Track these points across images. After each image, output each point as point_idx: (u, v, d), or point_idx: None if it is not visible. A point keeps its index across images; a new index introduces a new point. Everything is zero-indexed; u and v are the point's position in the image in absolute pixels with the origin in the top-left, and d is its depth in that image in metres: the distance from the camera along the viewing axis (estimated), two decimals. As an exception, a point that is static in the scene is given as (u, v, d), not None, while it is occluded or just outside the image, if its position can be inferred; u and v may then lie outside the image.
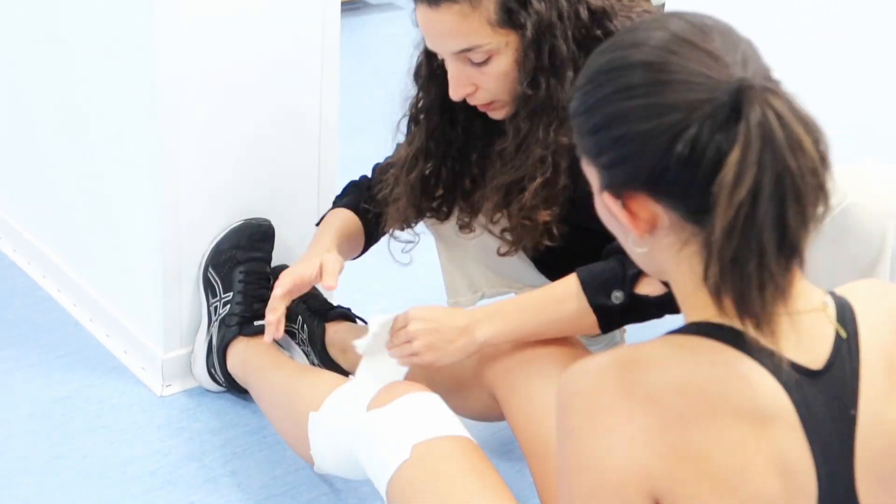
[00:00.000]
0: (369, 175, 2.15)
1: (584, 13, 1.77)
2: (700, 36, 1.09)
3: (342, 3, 2.33)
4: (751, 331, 1.10)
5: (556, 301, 1.77)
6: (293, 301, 2.20)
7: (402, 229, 2.03)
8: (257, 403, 2.12)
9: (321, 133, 2.30)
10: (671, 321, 2.14)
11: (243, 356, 2.16)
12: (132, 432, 2.14)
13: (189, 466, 2.06)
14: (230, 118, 2.18)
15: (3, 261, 2.66)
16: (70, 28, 2.30)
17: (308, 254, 2.03)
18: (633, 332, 2.34)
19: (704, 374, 1.10)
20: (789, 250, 1.06)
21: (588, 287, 1.74)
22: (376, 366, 1.86)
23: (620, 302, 1.72)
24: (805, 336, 1.13)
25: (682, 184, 1.08)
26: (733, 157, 1.03)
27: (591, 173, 1.17)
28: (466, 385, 1.90)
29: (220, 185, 2.21)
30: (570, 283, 1.76)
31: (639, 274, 1.70)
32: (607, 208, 1.16)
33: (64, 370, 2.30)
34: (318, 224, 2.14)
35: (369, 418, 1.75)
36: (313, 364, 2.18)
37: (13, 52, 2.53)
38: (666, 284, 1.67)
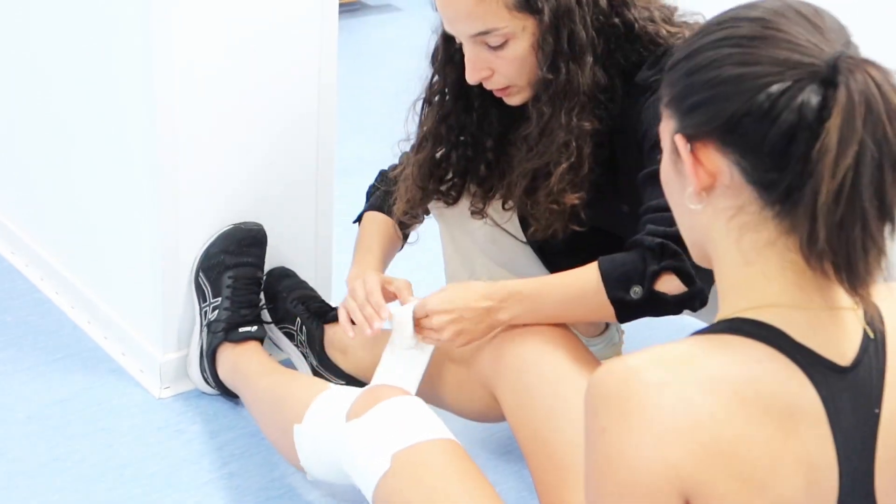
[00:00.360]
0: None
1: (603, 1, 1.78)
2: (812, 12, 1.13)
3: (340, 5, 2.32)
4: (840, 295, 1.13)
5: (577, 288, 1.77)
6: (291, 302, 2.22)
7: (409, 216, 2.05)
8: (248, 411, 2.12)
9: (319, 135, 2.30)
10: (673, 323, 2.14)
11: (232, 363, 2.16)
12: (130, 435, 2.14)
13: (187, 469, 2.05)
14: (229, 121, 2.17)
15: (2, 263, 2.65)
16: (65, 31, 2.30)
17: (360, 267, 2.04)
18: (632, 335, 2.34)
19: (735, 373, 1.10)
20: (886, 215, 1.09)
21: (608, 279, 1.74)
22: (395, 360, 1.89)
23: (639, 297, 1.72)
24: (837, 333, 1.15)
25: (754, 137, 1.10)
26: (834, 121, 1.05)
27: (667, 127, 1.19)
28: (468, 386, 1.91)
29: (218, 187, 2.21)
30: (591, 273, 1.76)
31: (660, 271, 1.70)
32: (675, 154, 1.18)
33: (62, 372, 2.29)
34: (356, 221, 2.16)
35: (348, 429, 1.75)
36: (312, 366, 2.18)
37: (11, 55, 2.53)
38: (690, 277, 1.67)
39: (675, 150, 1.17)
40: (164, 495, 1.99)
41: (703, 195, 1.15)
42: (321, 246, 2.39)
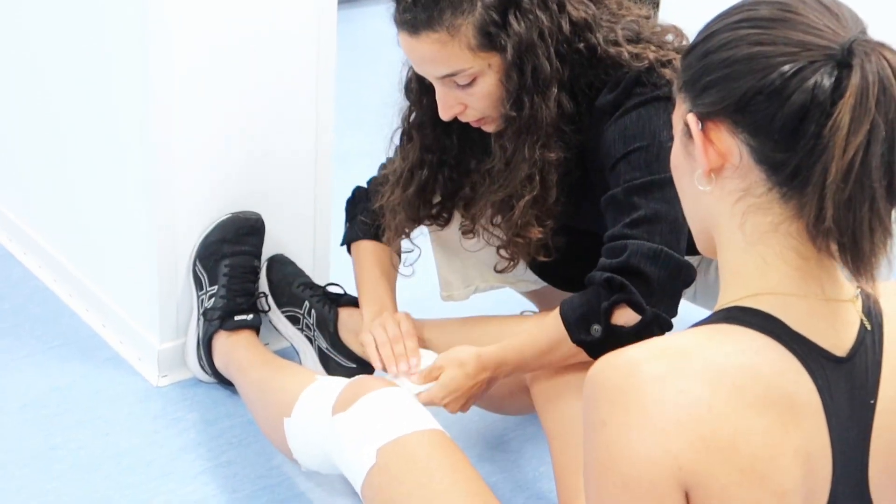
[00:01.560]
0: (377, 173, 2.15)
1: (566, 27, 1.77)
2: (831, 1, 1.14)
3: (339, -6, 2.29)
4: (843, 277, 1.13)
5: (547, 340, 1.80)
6: (298, 287, 2.23)
7: (401, 238, 2.05)
8: (243, 401, 2.12)
9: (317, 125, 2.28)
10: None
11: (226, 352, 2.17)
12: (128, 423, 2.13)
13: (185, 457, 2.05)
14: (228, 111, 2.16)
15: (0, 251, 2.66)
16: (60, 18, 2.28)
17: (375, 307, 2.05)
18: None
19: (735, 364, 1.10)
20: (894, 196, 1.09)
21: (569, 324, 1.76)
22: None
23: (599, 335, 1.72)
24: (834, 323, 1.14)
25: (765, 116, 1.09)
26: (847, 101, 1.05)
27: (680, 110, 1.19)
28: (504, 383, 1.92)
29: (216, 177, 2.20)
30: (556, 320, 1.77)
31: (611, 306, 1.71)
32: (686, 136, 1.17)
33: (59, 361, 2.28)
34: (342, 244, 2.16)
35: (334, 424, 1.75)
36: (320, 349, 2.18)
37: (10, 46, 2.52)
38: (640, 306, 1.69)
39: (687, 132, 1.17)
40: (162, 483, 1.99)
41: (712, 177, 1.15)
42: (319, 236, 2.39)
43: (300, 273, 2.28)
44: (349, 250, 2.16)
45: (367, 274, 2.09)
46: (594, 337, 1.73)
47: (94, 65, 2.23)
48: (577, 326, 1.75)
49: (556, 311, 1.78)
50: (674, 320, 1.73)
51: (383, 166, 2.12)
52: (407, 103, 1.95)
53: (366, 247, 2.12)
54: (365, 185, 2.17)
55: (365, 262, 2.11)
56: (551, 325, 1.78)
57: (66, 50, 2.31)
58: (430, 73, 1.80)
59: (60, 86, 2.36)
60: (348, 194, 2.19)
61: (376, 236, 2.11)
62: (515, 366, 1.84)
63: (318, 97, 2.26)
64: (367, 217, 2.11)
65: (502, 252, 1.93)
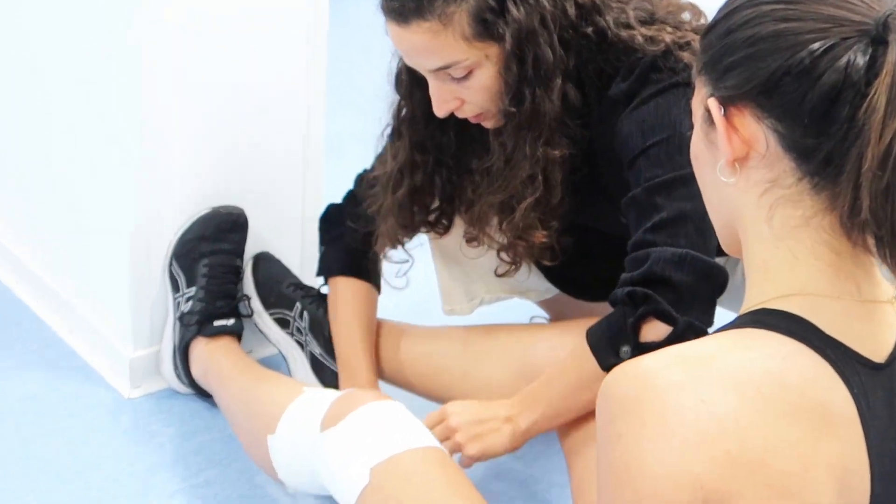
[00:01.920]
0: (353, 186, 2.10)
1: (571, 10, 1.73)
2: None
3: (329, -27, 2.30)
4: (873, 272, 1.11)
5: (575, 368, 1.78)
6: (287, 287, 2.19)
7: (394, 247, 2.00)
8: (223, 414, 2.08)
9: (308, 113, 2.25)
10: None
11: (205, 360, 2.14)
12: (96, 438, 2.09)
13: (160, 475, 2.01)
14: (209, 95, 2.12)
15: (-39, 252, 2.62)
16: (46, 9, 2.25)
17: (341, 369, 2.05)
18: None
19: (760, 370, 1.06)
20: None
21: (596, 351, 1.72)
22: None
23: (629, 357, 1.67)
24: (871, 326, 1.11)
25: (793, 98, 1.06)
26: (883, 81, 1.02)
27: (700, 95, 1.15)
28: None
29: (194, 167, 2.16)
30: (582, 349, 1.75)
31: (637, 321, 1.68)
32: (707, 123, 1.14)
33: (22, 370, 2.24)
34: (318, 274, 2.11)
35: (324, 440, 1.73)
36: (312, 354, 2.13)
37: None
38: (670, 316, 1.67)
39: (708, 119, 1.13)
40: (134, 504, 1.94)
41: (736, 167, 1.12)
42: (308, 233, 2.34)
43: (289, 273, 2.24)
44: (325, 281, 2.13)
45: (343, 329, 2.06)
46: (624, 360, 1.65)
47: (75, 57, 2.19)
48: (605, 351, 1.70)
49: (582, 339, 1.75)
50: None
51: (360, 178, 2.07)
52: (397, 97, 1.89)
53: (343, 289, 2.07)
54: (341, 201, 2.11)
55: (341, 310, 2.06)
56: (578, 354, 1.76)
57: (46, 39, 2.27)
58: (421, 66, 1.76)
59: (33, 79, 2.33)
60: (341, 182, 2.13)
61: (357, 266, 2.05)
62: (541, 401, 1.81)
63: (309, 81, 2.24)
64: (354, 223, 2.04)
65: (503, 255, 1.89)
